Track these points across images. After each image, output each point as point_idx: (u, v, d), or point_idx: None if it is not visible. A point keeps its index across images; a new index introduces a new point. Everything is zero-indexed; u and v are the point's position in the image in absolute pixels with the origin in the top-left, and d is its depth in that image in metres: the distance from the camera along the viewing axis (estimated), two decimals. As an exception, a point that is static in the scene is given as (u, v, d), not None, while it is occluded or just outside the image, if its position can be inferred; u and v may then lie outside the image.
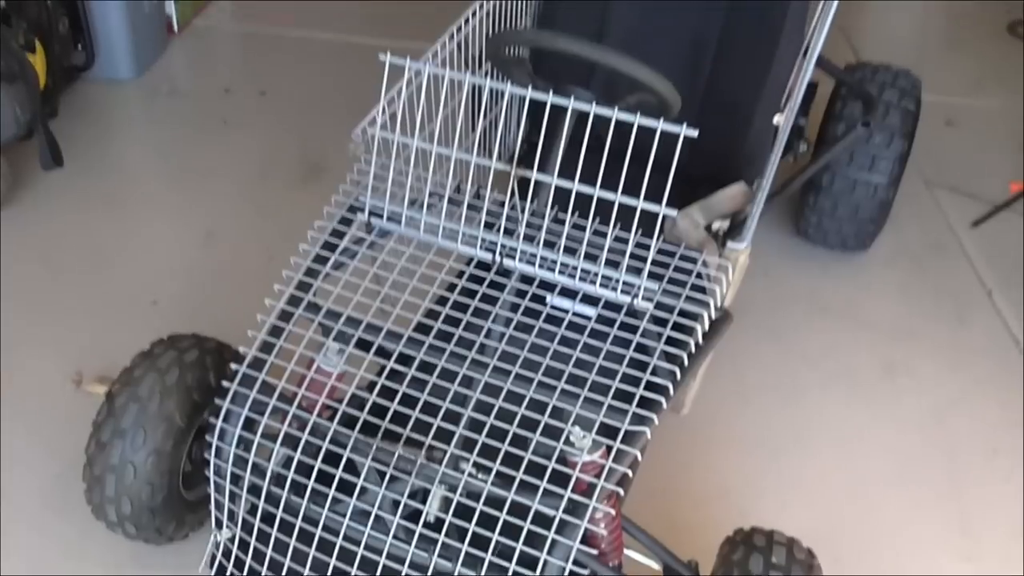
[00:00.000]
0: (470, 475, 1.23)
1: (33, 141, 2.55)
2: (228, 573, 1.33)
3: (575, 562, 1.21)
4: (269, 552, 1.28)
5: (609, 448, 1.27)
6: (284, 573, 1.27)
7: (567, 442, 1.26)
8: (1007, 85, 3.55)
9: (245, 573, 1.32)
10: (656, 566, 1.44)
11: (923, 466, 2.08)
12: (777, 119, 2.05)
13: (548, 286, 1.41)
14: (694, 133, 1.26)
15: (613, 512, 1.27)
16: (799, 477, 2.04)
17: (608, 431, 1.28)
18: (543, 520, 1.19)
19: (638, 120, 1.32)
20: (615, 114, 1.33)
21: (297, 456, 1.26)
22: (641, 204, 1.31)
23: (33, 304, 2.28)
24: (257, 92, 3.15)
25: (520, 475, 1.21)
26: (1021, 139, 3.23)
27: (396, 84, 1.57)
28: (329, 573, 1.24)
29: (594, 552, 1.30)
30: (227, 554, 1.34)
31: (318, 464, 1.25)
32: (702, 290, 1.39)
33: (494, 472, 1.22)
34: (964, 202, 2.93)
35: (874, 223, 2.45)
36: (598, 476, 1.24)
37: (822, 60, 2.23)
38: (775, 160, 1.77)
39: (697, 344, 1.35)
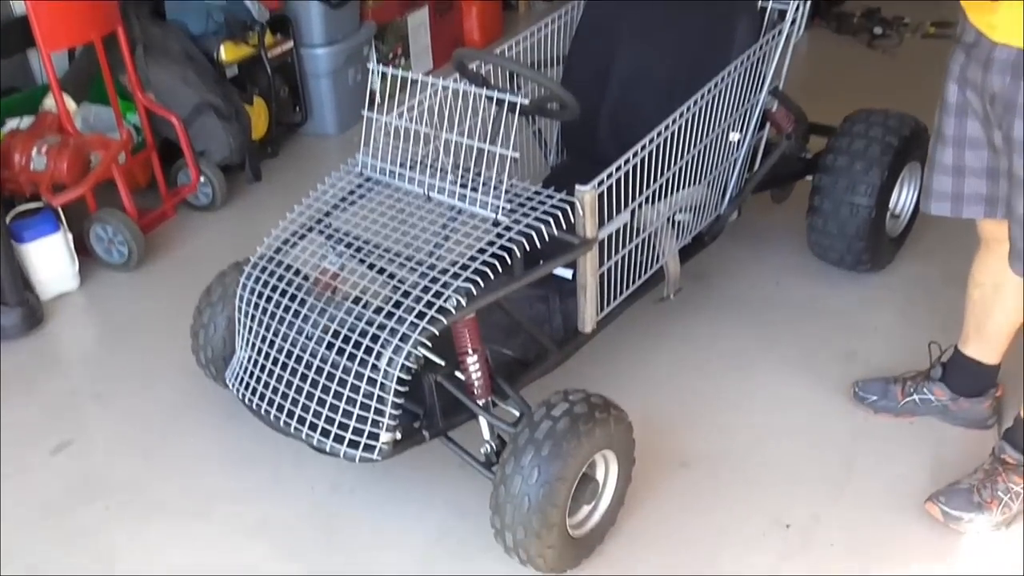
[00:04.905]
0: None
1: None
2: (237, 373, 2.11)
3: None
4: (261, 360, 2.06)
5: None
6: (263, 370, 2.04)
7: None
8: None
9: (251, 375, 2.10)
10: (516, 412, 2.02)
11: (832, 423, 2.42)
12: (734, 136, 2.61)
13: None
14: (526, 101, 1.94)
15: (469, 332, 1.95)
16: (710, 408, 2.48)
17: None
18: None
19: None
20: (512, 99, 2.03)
21: (274, 297, 2.04)
22: (511, 153, 1.99)
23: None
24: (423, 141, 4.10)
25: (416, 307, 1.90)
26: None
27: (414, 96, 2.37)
28: (280, 369, 2.00)
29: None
30: (243, 365, 2.12)
31: (284, 300, 2.02)
32: (554, 216, 2.01)
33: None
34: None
35: (862, 240, 2.81)
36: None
37: (785, 98, 2.71)
38: (738, 167, 2.49)
39: (540, 243, 1.97)
